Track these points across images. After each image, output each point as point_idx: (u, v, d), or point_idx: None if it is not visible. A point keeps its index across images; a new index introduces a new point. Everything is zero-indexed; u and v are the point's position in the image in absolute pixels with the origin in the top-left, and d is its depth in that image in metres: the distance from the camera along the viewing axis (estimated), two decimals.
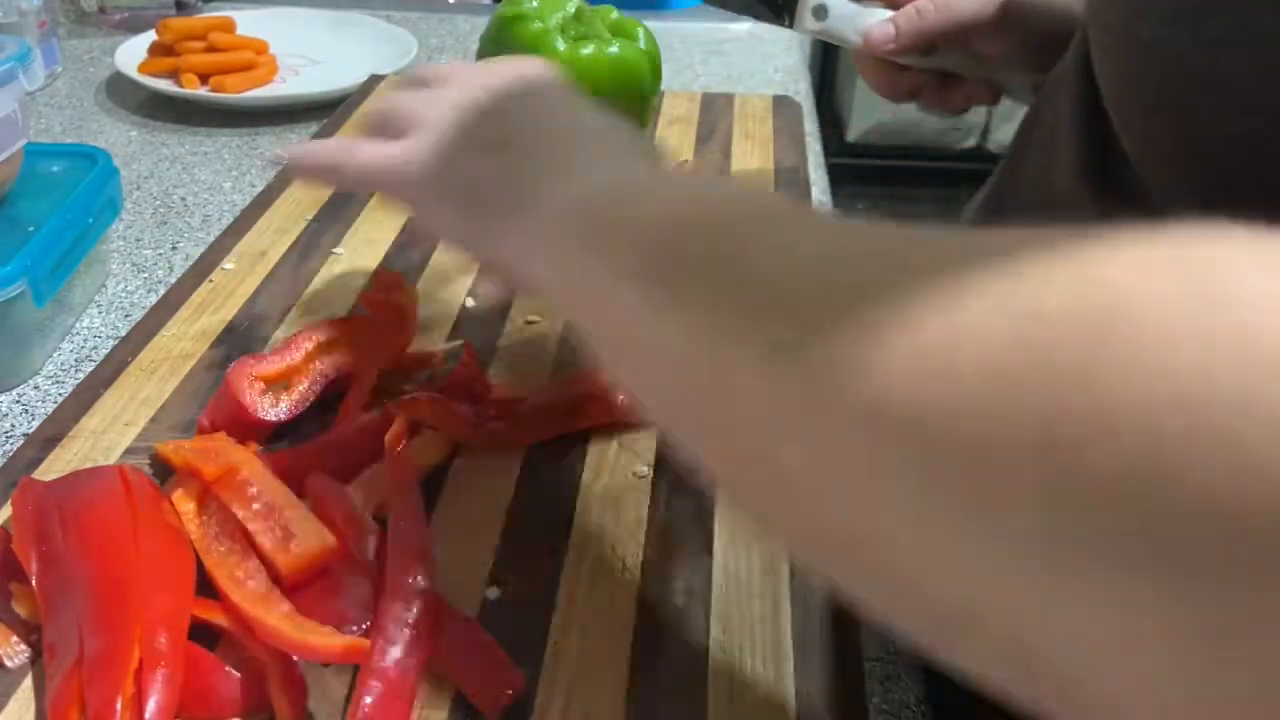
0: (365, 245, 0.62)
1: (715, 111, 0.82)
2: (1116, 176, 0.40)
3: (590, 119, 0.41)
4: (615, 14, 0.67)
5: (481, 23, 0.88)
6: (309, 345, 0.49)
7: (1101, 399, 0.18)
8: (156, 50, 0.92)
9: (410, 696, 0.34)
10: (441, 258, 0.61)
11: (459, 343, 0.51)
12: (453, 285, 0.59)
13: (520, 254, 0.37)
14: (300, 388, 0.47)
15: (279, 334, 0.54)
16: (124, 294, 0.62)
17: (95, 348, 0.57)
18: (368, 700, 0.33)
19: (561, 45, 0.62)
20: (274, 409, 0.46)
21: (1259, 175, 0.32)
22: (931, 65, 0.60)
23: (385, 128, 0.43)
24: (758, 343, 0.25)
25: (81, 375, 0.52)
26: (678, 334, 0.28)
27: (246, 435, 0.45)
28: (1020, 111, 0.55)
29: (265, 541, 0.38)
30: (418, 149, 0.41)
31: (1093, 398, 0.18)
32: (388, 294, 0.53)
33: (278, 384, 0.47)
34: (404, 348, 0.50)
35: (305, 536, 0.38)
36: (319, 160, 0.45)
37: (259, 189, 0.70)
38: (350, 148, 0.44)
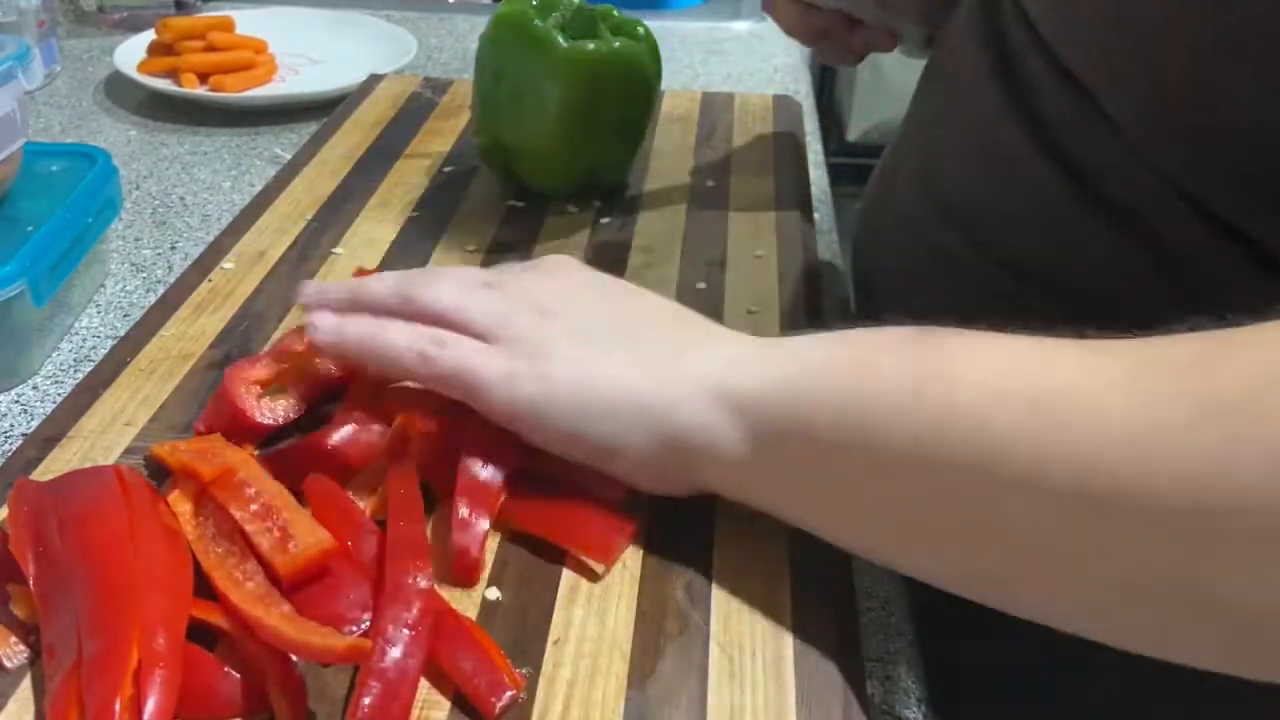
0: (365, 245, 0.62)
1: (715, 111, 0.82)
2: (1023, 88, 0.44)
3: (670, 311, 0.42)
4: (615, 14, 0.67)
5: (481, 22, 0.88)
6: (301, 346, 0.48)
7: None
8: (156, 50, 0.92)
9: (410, 697, 0.34)
10: (442, 258, 0.61)
11: None
12: None
13: (690, 470, 0.38)
14: (298, 390, 0.47)
15: (278, 334, 0.54)
16: (123, 294, 0.62)
17: (94, 348, 0.57)
18: (367, 701, 0.33)
19: (563, 43, 0.62)
20: (271, 412, 0.46)
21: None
22: (838, 6, 0.63)
23: (460, 326, 0.40)
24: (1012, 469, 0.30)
25: (80, 375, 0.52)
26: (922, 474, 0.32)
27: (245, 439, 0.45)
28: None
29: (263, 542, 0.38)
30: (532, 371, 0.38)
31: None
32: None
33: (274, 387, 0.47)
34: None
35: (303, 537, 0.38)
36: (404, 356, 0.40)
37: (258, 189, 0.70)
38: (455, 355, 0.39)
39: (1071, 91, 0.42)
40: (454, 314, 0.40)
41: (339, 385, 0.48)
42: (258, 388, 0.46)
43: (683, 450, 0.37)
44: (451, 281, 0.41)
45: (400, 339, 0.40)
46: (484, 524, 0.40)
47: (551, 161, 0.66)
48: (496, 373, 0.39)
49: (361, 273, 0.55)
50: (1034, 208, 0.45)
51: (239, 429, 0.45)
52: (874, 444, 0.33)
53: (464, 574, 0.39)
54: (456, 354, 0.39)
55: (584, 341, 0.39)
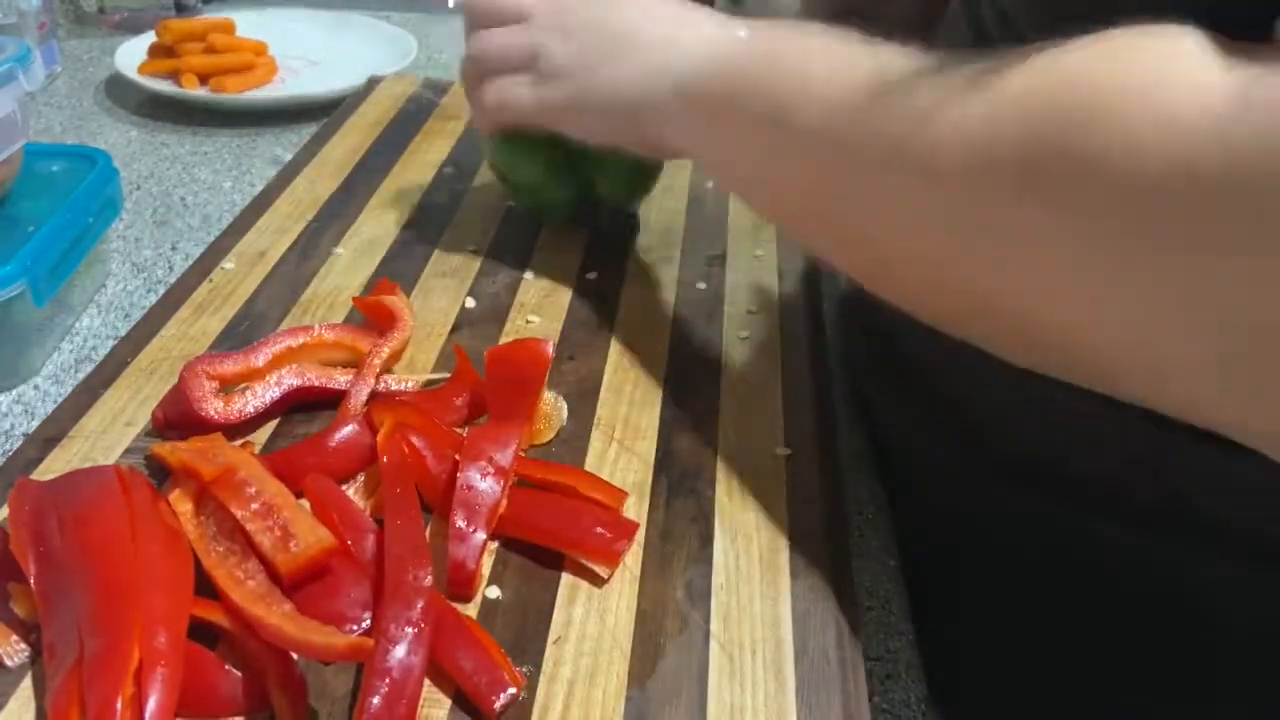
0: (365, 245, 0.62)
1: None
2: None
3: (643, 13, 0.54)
4: None
5: None
6: (273, 350, 0.48)
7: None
8: (156, 51, 0.92)
9: (416, 695, 0.34)
10: (442, 258, 0.61)
11: (443, 375, 0.50)
12: (453, 285, 0.59)
13: (662, 138, 0.51)
14: (257, 393, 0.47)
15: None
16: (124, 294, 0.62)
17: (95, 348, 0.57)
18: (374, 701, 0.33)
19: None
20: (225, 409, 0.45)
21: None
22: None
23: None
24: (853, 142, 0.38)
25: (81, 375, 0.52)
26: (803, 147, 0.41)
27: (196, 433, 0.44)
28: None
29: (264, 541, 0.38)
30: (553, 91, 0.55)
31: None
32: (380, 296, 0.53)
33: (235, 386, 0.47)
34: (397, 354, 0.50)
35: (304, 536, 0.38)
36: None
37: (259, 189, 0.70)
38: (504, 96, 0.57)
39: None
40: (501, 59, 0.57)
41: (309, 392, 0.48)
42: (215, 383, 0.46)
43: (650, 132, 0.52)
44: (495, 34, 0.58)
45: (476, 105, 0.60)
46: (481, 536, 0.40)
47: (544, 194, 0.63)
48: (528, 100, 0.56)
49: (382, 288, 0.55)
50: None
51: (190, 421, 0.45)
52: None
53: (460, 587, 0.39)
54: (503, 97, 0.57)
55: (587, 61, 0.54)
